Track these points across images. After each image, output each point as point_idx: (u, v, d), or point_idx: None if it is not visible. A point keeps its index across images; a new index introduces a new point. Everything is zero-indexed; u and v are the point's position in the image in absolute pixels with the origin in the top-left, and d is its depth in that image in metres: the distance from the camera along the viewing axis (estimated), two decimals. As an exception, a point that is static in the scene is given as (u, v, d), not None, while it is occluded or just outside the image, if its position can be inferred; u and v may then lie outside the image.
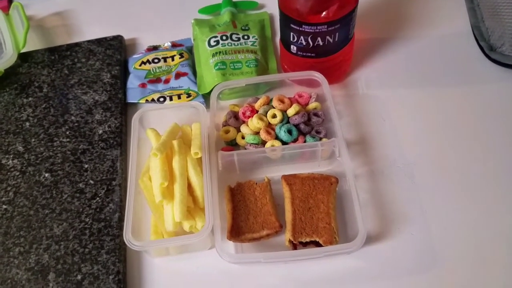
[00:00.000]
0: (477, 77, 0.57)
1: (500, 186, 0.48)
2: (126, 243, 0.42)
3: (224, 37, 0.60)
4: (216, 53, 0.59)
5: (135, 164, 0.47)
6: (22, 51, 0.62)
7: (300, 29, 0.50)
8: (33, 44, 0.65)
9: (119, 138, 0.53)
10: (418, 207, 0.47)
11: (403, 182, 0.49)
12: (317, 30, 0.49)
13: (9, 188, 0.50)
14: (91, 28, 0.67)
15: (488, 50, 0.58)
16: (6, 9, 0.71)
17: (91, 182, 0.49)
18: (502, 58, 0.56)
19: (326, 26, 0.49)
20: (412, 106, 0.55)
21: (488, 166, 0.49)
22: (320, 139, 0.51)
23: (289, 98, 0.54)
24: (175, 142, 0.47)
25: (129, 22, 0.68)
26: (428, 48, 0.60)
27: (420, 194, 0.48)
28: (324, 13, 0.48)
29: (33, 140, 0.53)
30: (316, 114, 0.53)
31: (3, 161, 0.52)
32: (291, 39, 0.52)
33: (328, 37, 0.50)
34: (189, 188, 0.47)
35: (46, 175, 0.50)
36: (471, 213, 0.46)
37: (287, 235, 0.44)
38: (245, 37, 0.61)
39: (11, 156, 0.52)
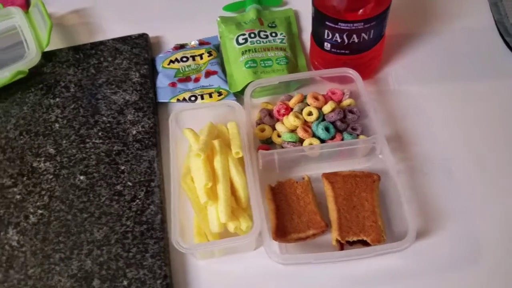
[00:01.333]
0: (504, 71, 0.57)
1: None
2: (175, 245, 0.41)
3: (252, 35, 0.60)
4: (246, 51, 0.58)
5: (176, 165, 0.46)
6: (45, 50, 0.60)
7: (336, 26, 0.49)
8: (54, 43, 0.63)
9: (154, 139, 0.52)
10: (458, 203, 0.47)
11: (441, 178, 0.49)
12: (353, 28, 0.49)
13: (43, 192, 0.49)
14: (112, 26, 0.66)
15: (515, 45, 0.58)
16: (24, 7, 0.69)
17: (129, 184, 0.49)
18: (530, 53, 0.57)
19: (362, 24, 0.49)
20: (443, 101, 0.55)
21: (525, 160, 0.50)
22: (357, 136, 0.51)
23: (323, 95, 0.54)
24: (216, 142, 0.47)
25: (151, 19, 0.66)
26: (456, 43, 0.60)
27: (460, 189, 0.48)
28: (361, 10, 0.47)
29: (64, 141, 0.52)
30: (351, 111, 0.53)
31: (35, 164, 0.51)
32: (325, 36, 0.52)
33: (363, 34, 0.50)
34: (231, 188, 0.46)
35: (81, 177, 0.49)
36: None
37: (333, 235, 0.44)
38: (273, 34, 0.60)
39: (43, 158, 0.51)
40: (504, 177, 0.49)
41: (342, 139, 0.51)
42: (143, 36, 0.61)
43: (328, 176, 0.48)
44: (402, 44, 0.61)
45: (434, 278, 0.43)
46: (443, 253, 0.45)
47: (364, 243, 0.44)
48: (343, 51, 0.53)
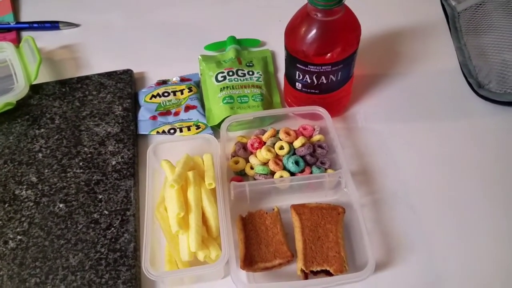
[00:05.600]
0: (468, 112, 0.61)
1: (496, 215, 0.51)
2: (145, 272, 0.43)
3: (230, 73, 0.63)
4: (224, 87, 0.62)
5: (151, 195, 0.49)
6: (33, 83, 0.63)
7: (306, 68, 0.53)
8: (43, 76, 0.67)
9: (132, 169, 0.55)
10: (420, 236, 0.50)
11: (404, 212, 0.52)
12: (322, 70, 0.53)
13: (23, 219, 0.51)
14: (98, 61, 0.70)
15: (477, 87, 0.62)
16: (15, 41, 0.73)
17: (106, 212, 0.51)
18: (489, 94, 0.61)
19: (330, 67, 0.52)
20: (409, 139, 0.59)
21: (483, 196, 0.53)
22: (325, 169, 0.54)
23: (294, 131, 0.57)
24: (190, 173, 0.49)
25: (136, 56, 0.70)
26: (422, 84, 0.64)
27: (421, 223, 0.51)
28: (328, 55, 0.51)
29: (46, 171, 0.55)
30: (320, 146, 0.56)
31: (17, 192, 0.53)
32: (297, 77, 0.56)
33: (331, 76, 0.54)
34: (203, 217, 0.48)
35: (61, 205, 0.52)
36: (471, 242, 0.49)
37: (298, 264, 0.46)
38: (250, 73, 0.64)
39: (25, 187, 0.53)
40: (465, 213, 0.52)
41: (311, 173, 0.54)
42: (128, 72, 0.65)
43: (296, 208, 0.50)
44: (371, 84, 0.65)
45: (394, 308, 0.46)
46: (403, 285, 0.47)
47: (328, 273, 0.46)
48: (313, 91, 0.57)
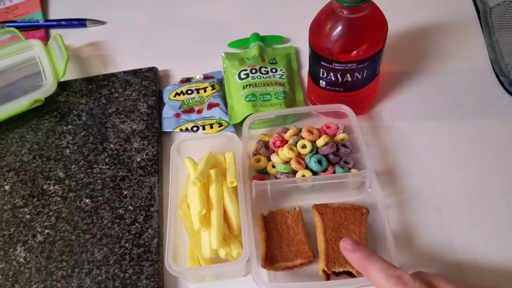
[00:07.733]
0: (499, 111, 0.59)
1: (525, 219, 0.49)
2: (168, 268, 0.43)
3: (253, 70, 0.63)
4: (247, 85, 0.61)
5: (175, 192, 0.49)
6: (61, 80, 0.65)
7: (330, 66, 0.53)
8: (70, 73, 0.68)
9: (156, 166, 0.55)
10: (446, 239, 0.49)
11: (431, 214, 0.51)
12: (347, 68, 0.52)
13: (51, 213, 0.52)
14: (124, 59, 0.71)
15: (508, 85, 0.60)
16: (44, 39, 0.75)
17: (130, 208, 0.52)
18: (522, 93, 0.59)
19: (355, 64, 0.52)
20: (436, 138, 0.57)
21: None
22: (349, 169, 0.53)
23: (317, 129, 0.57)
24: (212, 171, 0.50)
25: (161, 53, 0.71)
26: (451, 82, 0.63)
27: (448, 226, 0.50)
28: (354, 52, 0.51)
29: (73, 166, 0.56)
30: (344, 145, 0.55)
31: (45, 187, 0.55)
32: (321, 75, 0.55)
33: (356, 74, 0.53)
34: (224, 215, 0.49)
35: (87, 201, 0.53)
36: (501, 247, 0.48)
37: (320, 265, 0.46)
38: (273, 70, 0.64)
39: (52, 182, 0.55)
40: (494, 216, 0.50)
41: (334, 172, 0.53)
42: (153, 70, 0.65)
43: (319, 208, 0.50)
44: (398, 81, 0.64)
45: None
46: None
47: (350, 274, 0.45)
48: (337, 89, 0.56)
